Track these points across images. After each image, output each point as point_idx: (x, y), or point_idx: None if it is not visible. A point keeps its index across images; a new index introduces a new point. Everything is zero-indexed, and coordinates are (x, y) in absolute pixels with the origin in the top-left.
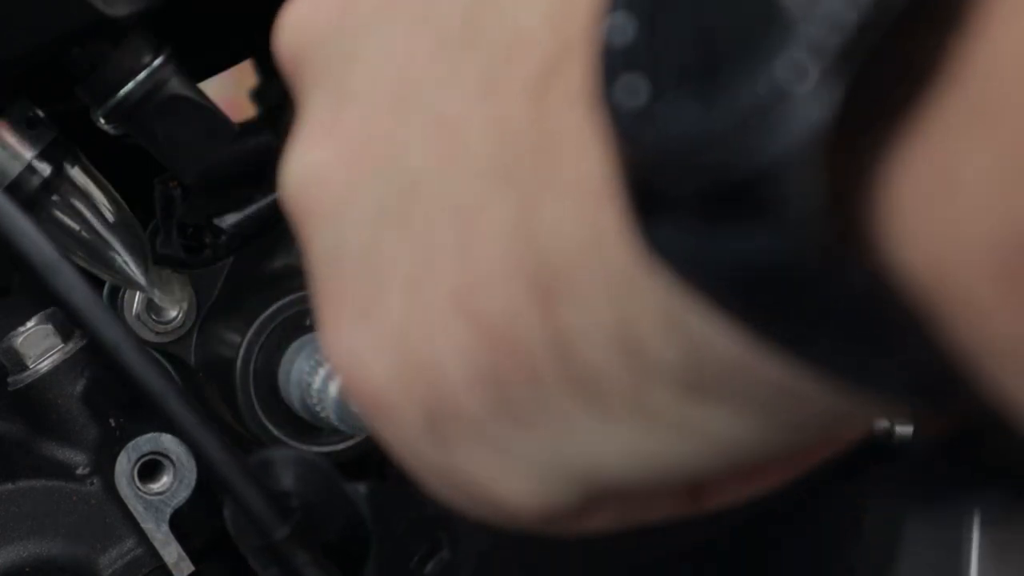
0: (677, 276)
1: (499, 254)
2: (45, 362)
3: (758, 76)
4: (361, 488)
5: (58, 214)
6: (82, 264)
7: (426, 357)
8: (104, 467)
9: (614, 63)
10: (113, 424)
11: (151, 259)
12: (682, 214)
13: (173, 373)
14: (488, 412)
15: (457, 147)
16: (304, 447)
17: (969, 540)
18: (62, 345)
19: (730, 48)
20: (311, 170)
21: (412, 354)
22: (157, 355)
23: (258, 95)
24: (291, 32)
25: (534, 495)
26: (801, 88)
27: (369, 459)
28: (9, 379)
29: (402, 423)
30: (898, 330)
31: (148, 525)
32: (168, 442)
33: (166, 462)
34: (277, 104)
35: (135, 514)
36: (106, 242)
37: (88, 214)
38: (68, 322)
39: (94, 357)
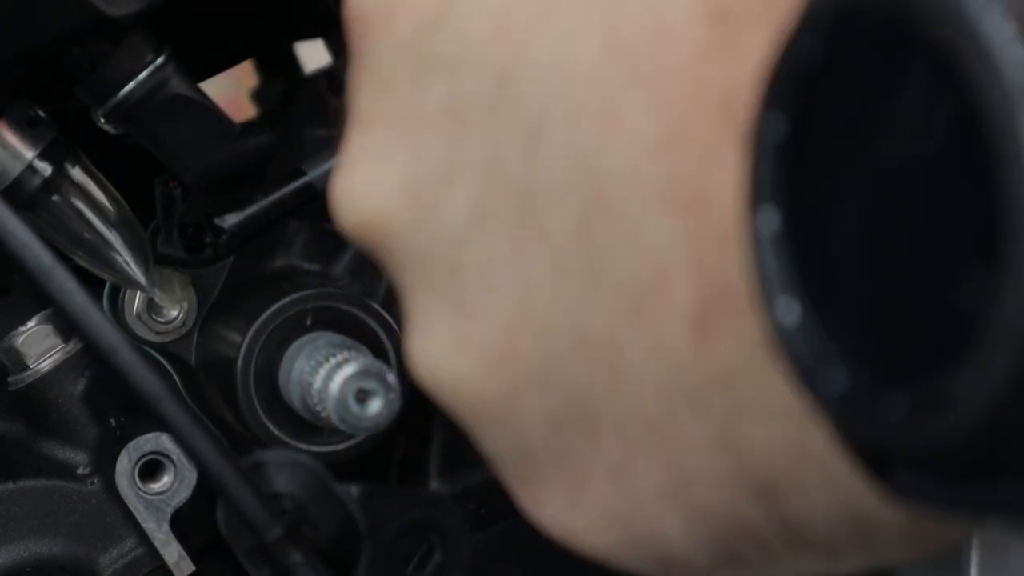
0: (921, 508)
1: (707, 463)
2: (46, 362)
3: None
4: (354, 490)
5: (59, 214)
6: (83, 264)
7: (650, 533)
8: (105, 467)
9: (799, 349)
10: (114, 424)
11: (152, 259)
12: (918, 468)
13: (173, 373)
14: (717, 564)
15: (619, 365)
16: (304, 447)
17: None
18: (63, 345)
19: (917, 344)
20: (460, 385)
21: (635, 532)
22: (156, 355)
23: (258, 95)
24: (359, 211)
25: None
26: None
27: (370, 459)
28: (10, 379)
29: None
30: None
31: (149, 525)
32: (169, 442)
33: (167, 462)
34: (277, 104)
35: (136, 514)
36: (107, 242)
37: (89, 214)
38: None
39: (94, 357)
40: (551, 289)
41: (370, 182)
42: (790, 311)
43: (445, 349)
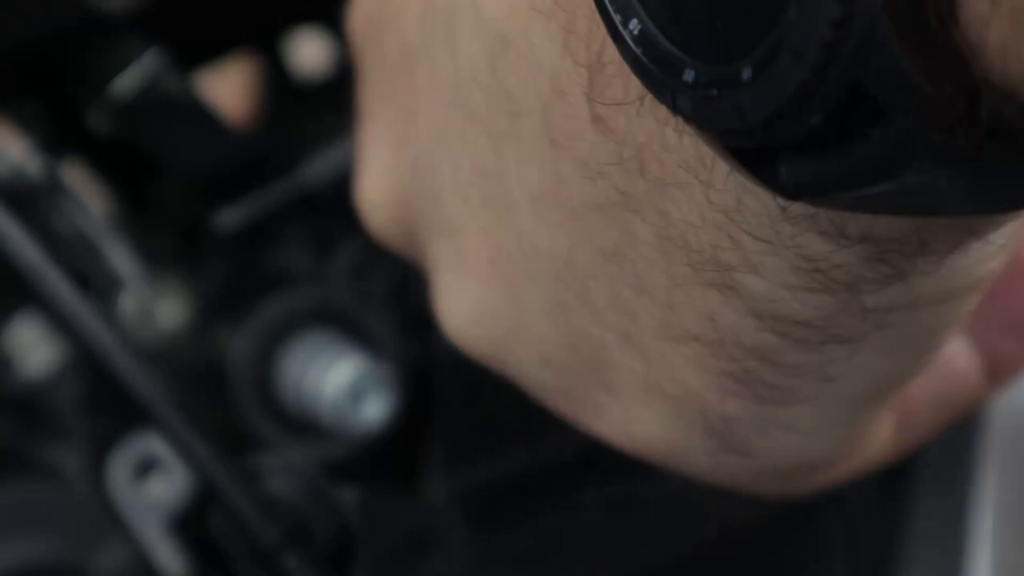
0: (820, 205)
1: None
2: (39, 364)
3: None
4: (350, 494)
5: (51, 214)
6: (76, 264)
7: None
8: (98, 469)
9: (648, 67)
10: (107, 426)
11: (145, 259)
12: (802, 154)
13: (167, 374)
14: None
15: (575, 214)
16: (300, 449)
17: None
18: (56, 347)
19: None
20: (475, 319)
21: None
22: (151, 356)
23: (257, 94)
24: (381, 203)
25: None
26: None
27: (367, 460)
28: (2, 380)
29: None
30: None
31: (142, 528)
32: (163, 444)
33: (161, 465)
34: (275, 103)
35: (129, 516)
36: (100, 241)
37: (81, 213)
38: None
39: (88, 359)
40: (496, 166)
41: (379, 171)
42: (634, 26)
43: (455, 291)
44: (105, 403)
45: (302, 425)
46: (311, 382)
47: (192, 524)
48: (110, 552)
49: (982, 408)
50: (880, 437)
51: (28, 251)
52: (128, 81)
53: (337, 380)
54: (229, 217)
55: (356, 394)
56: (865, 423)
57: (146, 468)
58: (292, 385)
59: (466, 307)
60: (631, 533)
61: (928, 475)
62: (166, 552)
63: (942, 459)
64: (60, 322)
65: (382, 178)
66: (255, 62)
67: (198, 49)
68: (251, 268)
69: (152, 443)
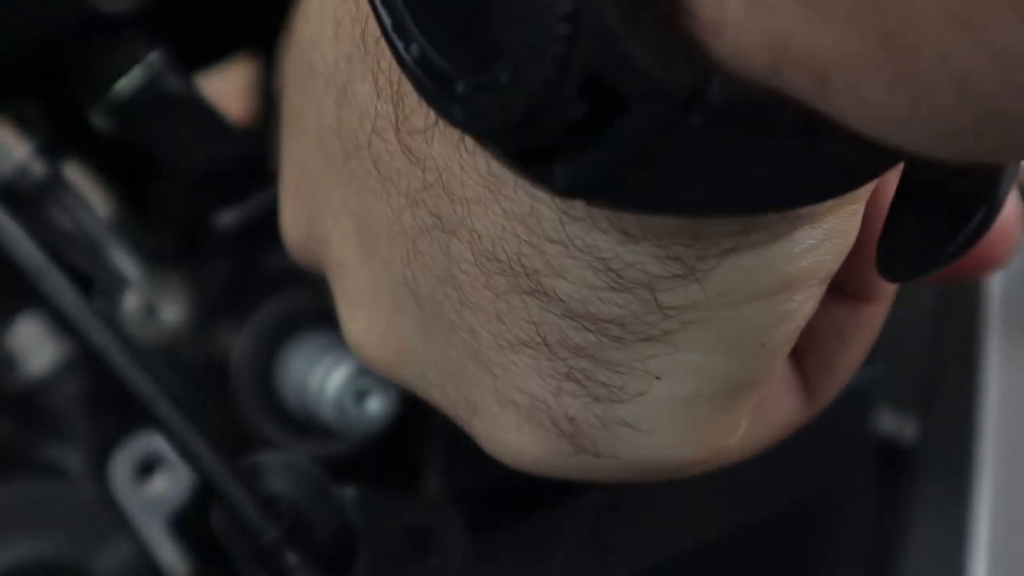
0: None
1: None
2: (40, 363)
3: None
4: (351, 492)
5: (53, 213)
6: (77, 263)
7: None
8: (99, 468)
9: (424, 81)
10: (109, 425)
11: (147, 258)
12: (571, 151)
13: (168, 373)
14: None
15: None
16: (301, 447)
17: (972, 546)
18: (57, 346)
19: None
20: (365, 346)
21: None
22: (151, 355)
23: (257, 93)
24: (294, 242)
25: None
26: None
27: (367, 459)
28: (3, 380)
29: None
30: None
31: (144, 527)
32: (164, 443)
33: (163, 463)
34: (274, 101)
35: (131, 516)
36: (101, 241)
37: (83, 213)
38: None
39: (89, 358)
40: (356, 205)
41: (286, 217)
42: (415, 49)
43: (349, 319)
44: (107, 402)
45: (303, 424)
46: (312, 381)
47: (193, 522)
48: (112, 550)
49: (981, 407)
50: (744, 431)
51: (30, 251)
52: (129, 81)
53: (337, 379)
54: (230, 217)
55: (356, 393)
56: (718, 421)
57: (148, 467)
58: (293, 384)
59: (359, 332)
60: (630, 533)
61: (928, 475)
62: (167, 550)
63: (942, 458)
64: (62, 321)
65: (288, 223)
66: (255, 62)
67: (199, 49)
68: (252, 268)
69: (153, 442)
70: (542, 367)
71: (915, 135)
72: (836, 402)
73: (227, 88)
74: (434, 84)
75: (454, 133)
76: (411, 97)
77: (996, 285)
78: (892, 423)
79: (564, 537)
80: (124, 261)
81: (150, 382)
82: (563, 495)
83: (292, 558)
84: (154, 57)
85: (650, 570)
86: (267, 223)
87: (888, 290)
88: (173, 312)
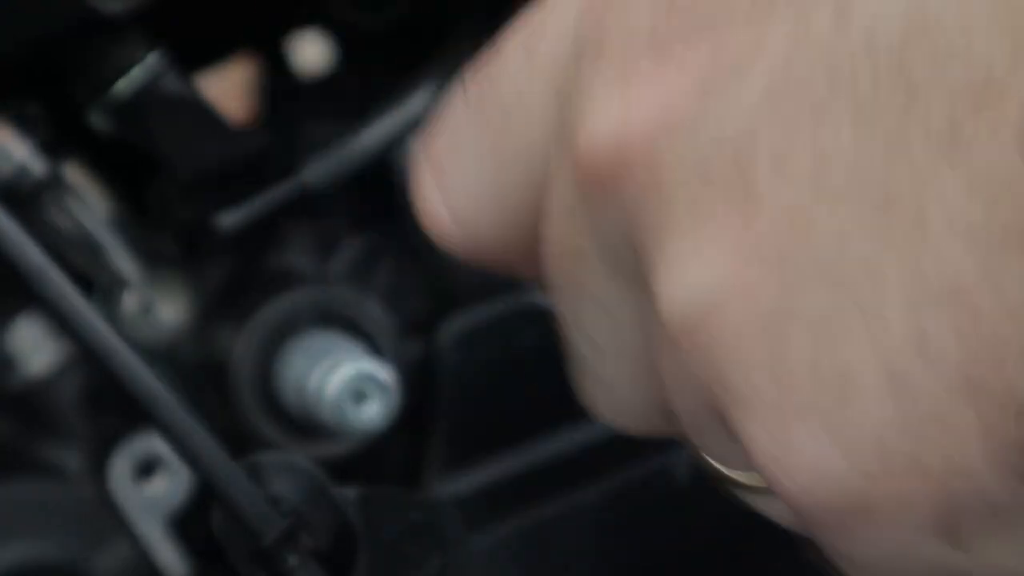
0: None
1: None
2: (40, 363)
3: None
4: (351, 493)
5: (52, 213)
6: (77, 264)
7: (931, 449)
8: (99, 468)
9: None
10: (108, 425)
11: (147, 259)
12: None
13: (168, 374)
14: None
15: (919, 223)
16: (301, 449)
17: None
18: (57, 346)
19: None
20: (727, 285)
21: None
22: (151, 356)
23: (257, 94)
24: (629, 134)
25: None
26: None
27: (367, 461)
28: (3, 380)
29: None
30: None
31: (143, 527)
32: (164, 444)
33: (162, 464)
34: (275, 102)
35: (131, 516)
36: (101, 241)
37: (83, 213)
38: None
39: (89, 358)
40: (852, 152)
41: (650, 90)
42: None
43: (725, 262)
44: (106, 403)
45: (303, 425)
46: (312, 382)
47: (193, 523)
48: (111, 551)
49: None
50: None
51: (29, 251)
52: (129, 82)
53: (337, 380)
54: (230, 217)
55: (356, 394)
56: None
57: (147, 468)
58: (293, 385)
59: (709, 280)
60: (630, 532)
61: None
62: (167, 551)
63: None
64: (61, 322)
65: (649, 91)
66: (255, 62)
67: (198, 50)
68: (252, 268)
69: (153, 443)
70: None
71: None
72: None
73: (226, 88)
74: None
75: None
76: None
77: None
78: None
79: (563, 537)
80: (124, 261)
81: (150, 382)
82: (562, 495)
83: (292, 559)
84: (153, 57)
85: (651, 569)
86: (267, 224)
87: None
88: (173, 312)
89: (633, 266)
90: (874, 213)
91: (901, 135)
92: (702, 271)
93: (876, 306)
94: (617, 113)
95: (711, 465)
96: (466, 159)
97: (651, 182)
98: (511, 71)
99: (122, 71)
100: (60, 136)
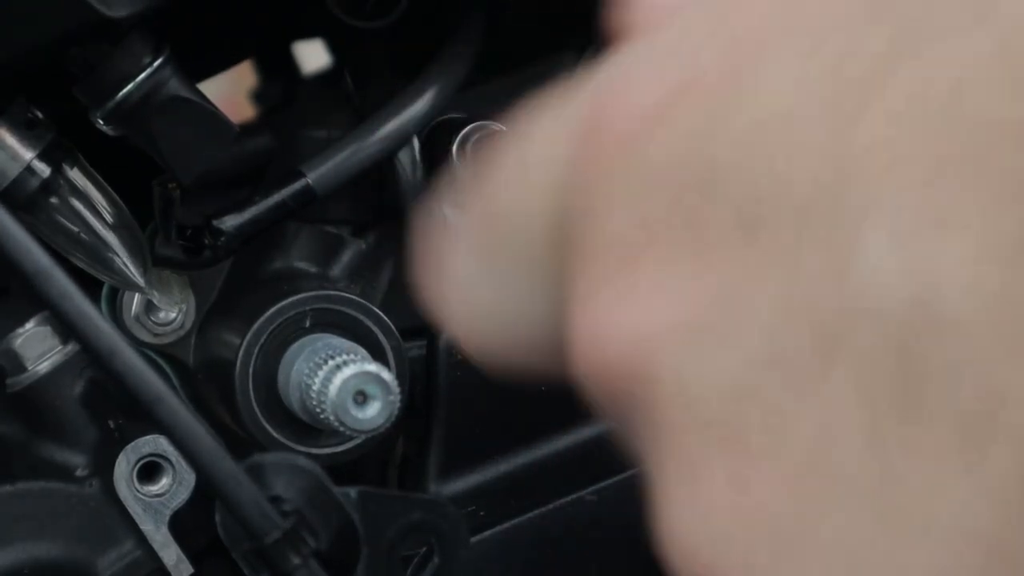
0: None
1: None
2: (44, 364)
3: None
4: (352, 493)
5: (57, 215)
6: (81, 265)
7: None
8: (103, 469)
9: None
10: (112, 426)
11: (150, 260)
12: None
13: (171, 375)
14: None
15: (930, 525)
16: (303, 449)
17: None
18: (61, 347)
19: None
20: (719, 552)
21: None
22: (155, 357)
23: (257, 95)
24: (614, 355)
25: None
26: None
27: (368, 462)
28: (8, 380)
29: None
30: None
31: (147, 527)
32: (167, 444)
33: (165, 464)
34: (276, 105)
35: (134, 516)
36: (105, 243)
37: (87, 215)
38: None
39: (93, 359)
40: (856, 436)
41: (636, 320)
42: None
43: (718, 508)
44: (110, 403)
45: (304, 425)
46: (314, 383)
47: (195, 523)
48: (115, 550)
49: None
50: None
51: (34, 251)
52: (134, 86)
53: (339, 381)
54: (232, 219)
55: (358, 395)
56: None
57: (150, 468)
58: (295, 386)
59: (706, 536)
60: (629, 532)
61: None
62: (170, 550)
63: None
64: (65, 322)
65: (635, 324)
66: (255, 62)
67: (203, 55)
68: (253, 269)
69: (157, 443)
70: None
71: None
72: None
73: (230, 93)
74: None
75: None
76: None
77: None
78: None
79: (563, 536)
80: (127, 262)
81: (153, 383)
82: (562, 495)
83: (294, 558)
84: (159, 62)
85: (651, 568)
86: (267, 225)
87: None
88: (176, 313)
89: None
90: (878, 519)
91: (912, 431)
92: (699, 524)
93: None
94: (597, 326)
95: None
96: (462, 267)
97: (641, 410)
98: (506, 190)
99: (127, 75)
100: (65, 138)
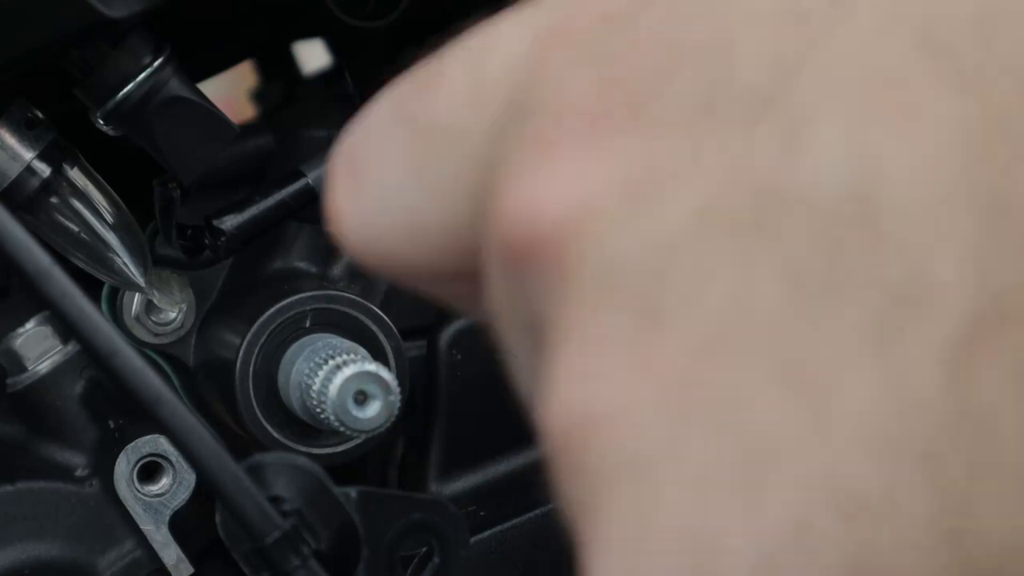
0: None
1: (920, 554)
2: (44, 363)
3: None
4: (352, 493)
5: (57, 215)
6: (81, 265)
7: None
8: (103, 469)
9: None
10: (112, 426)
11: (150, 260)
12: None
13: (171, 375)
14: None
15: (826, 410)
16: (303, 449)
17: None
18: (61, 347)
19: None
20: (609, 408)
21: None
22: (155, 357)
23: (257, 96)
24: (542, 218)
25: None
26: None
27: (369, 461)
28: (8, 380)
29: None
30: None
31: (147, 527)
32: (167, 444)
33: (165, 464)
34: (276, 105)
35: (134, 516)
36: (105, 243)
37: (87, 215)
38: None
39: (93, 359)
40: (767, 300)
41: (573, 175)
42: None
43: (618, 373)
44: (110, 403)
45: (304, 425)
46: (313, 382)
47: (195, 523)
48: (115, 550)
49: None
50: None
51: (34, 251)
52: (134, 85)
53: (339, 381)
54: (233, 219)
55: (357, 395)
56: None
57: (150, 468)
58: (294, 385)
59: (597, 399)
60: None
61: None
62: (170, 550)
63: None
64: (65, 322)
65: (571, 179)
66: (255, 62)
67: (204, 53)
68: (253, 269)
69: (157, 443)
70: None
71: None
72: None
73: (230, 93)
74: None
75: None
76: None
77: None
78: None
79: (563, 536)
80: (127, 262)
81: (153, 383)
82: None
83: (294, 558)
84: (159, 62)
85: None
86: (267, 225)
87: None
88: (176, 313)
89: (536, 342)
90: (780, 385)
91: (829, 306)
92: (591, 388)
93: (758, 481)
94: (532, 192)
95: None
96: (387, 170)
97: (557, 274)
98: (452, 96)
99: (127, 75)
100: (66, 138)
